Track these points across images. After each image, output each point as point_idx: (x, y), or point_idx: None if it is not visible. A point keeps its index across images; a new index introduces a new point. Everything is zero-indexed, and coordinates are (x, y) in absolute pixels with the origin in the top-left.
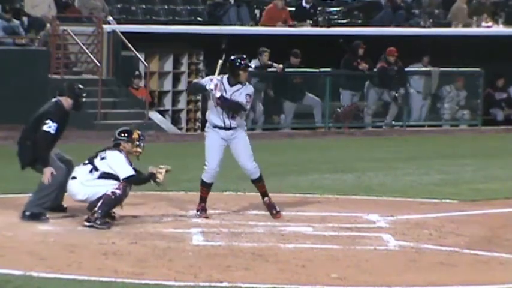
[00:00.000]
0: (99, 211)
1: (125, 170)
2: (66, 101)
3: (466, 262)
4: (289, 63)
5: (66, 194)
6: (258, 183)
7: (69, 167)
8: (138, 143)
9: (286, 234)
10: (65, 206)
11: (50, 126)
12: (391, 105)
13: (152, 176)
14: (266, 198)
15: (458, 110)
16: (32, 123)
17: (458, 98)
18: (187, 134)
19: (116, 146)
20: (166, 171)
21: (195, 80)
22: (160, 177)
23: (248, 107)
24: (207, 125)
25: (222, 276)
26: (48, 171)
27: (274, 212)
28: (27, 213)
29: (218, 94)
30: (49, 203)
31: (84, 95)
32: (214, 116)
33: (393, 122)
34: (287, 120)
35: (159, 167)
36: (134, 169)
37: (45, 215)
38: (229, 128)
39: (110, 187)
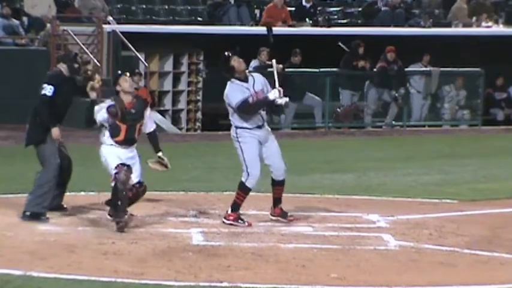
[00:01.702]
0: (113, 206)
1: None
2: (63, 67)
3: (466, 262)
4: (290, 62)
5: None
6: (281, 186)
7: (68, 164)
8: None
9: (286, 234)
10: (65, 206)
11: (45, 89)
12: (391, 105)
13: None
14: (280, 205)
15: (458, 110)
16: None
17: (458, 97)
18: (187, 134)
19: (116, 93)
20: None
21: (242, 100)
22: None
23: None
24: (239, 130)
25: (222, 276)
26: (56, 130)
27: (291, 218)
28: (28, 213)
29: (272, 97)
30: (48, 201)
31: (78, 59)
32: (252, 117)
33: (393, 122)
34: (287, 120)
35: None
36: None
37: (45, 215)
38: (263, 126)
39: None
